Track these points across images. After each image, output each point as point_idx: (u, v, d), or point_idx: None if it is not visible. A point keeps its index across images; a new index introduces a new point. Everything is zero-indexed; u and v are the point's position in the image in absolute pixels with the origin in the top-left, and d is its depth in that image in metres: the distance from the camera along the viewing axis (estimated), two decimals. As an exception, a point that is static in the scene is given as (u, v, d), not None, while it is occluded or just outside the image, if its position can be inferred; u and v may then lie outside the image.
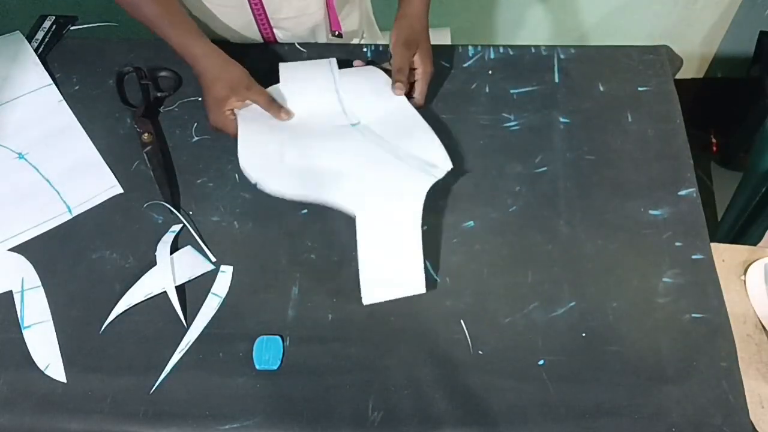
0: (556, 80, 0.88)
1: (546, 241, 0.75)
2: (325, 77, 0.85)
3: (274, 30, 0.92)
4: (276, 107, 0.81)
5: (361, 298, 0.70)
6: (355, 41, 1.04)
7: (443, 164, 0.77)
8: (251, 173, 0.77)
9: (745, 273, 0.84)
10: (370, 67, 0.88)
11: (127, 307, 0.71)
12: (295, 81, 0.85)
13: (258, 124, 0.80)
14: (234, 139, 0.79)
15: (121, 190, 0.80)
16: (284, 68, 0.86)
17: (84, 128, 0.85)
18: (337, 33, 0.95)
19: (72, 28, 0.96)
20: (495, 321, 0.70)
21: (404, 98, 0.83)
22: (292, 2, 0.88)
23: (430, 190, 0.74)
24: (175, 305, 0.71)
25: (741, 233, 1.37)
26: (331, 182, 0.76)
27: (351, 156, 0.78)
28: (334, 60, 0.87)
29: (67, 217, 0.78)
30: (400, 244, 0.72)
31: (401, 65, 0.81)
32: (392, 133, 0.81)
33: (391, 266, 0.71)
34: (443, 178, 0.77)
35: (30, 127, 0.86)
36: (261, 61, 0.91)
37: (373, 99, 0.84)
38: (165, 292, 0.72)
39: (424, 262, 0.73)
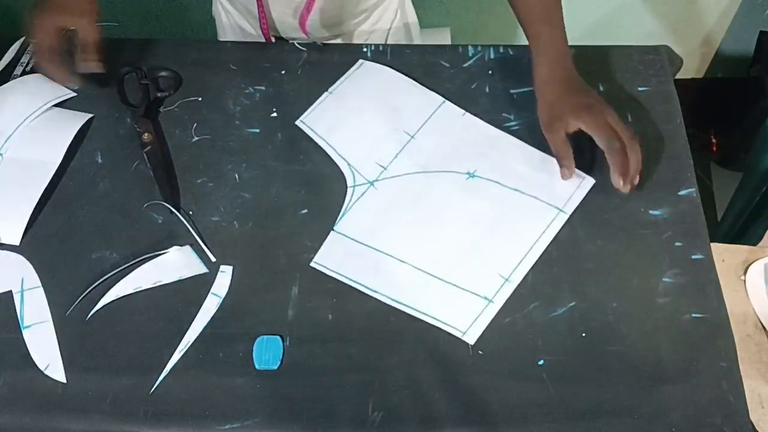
0: (556, 80, 0.88)
1: (546, 241, 0.75)
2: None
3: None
4: None
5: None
6: (364, 41, 1.03)
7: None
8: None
9: (745, 273, 0.84)
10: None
11: (116, 297, 0.71)
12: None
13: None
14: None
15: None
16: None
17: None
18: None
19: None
20: (495, 321, 0.70)
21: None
22: None
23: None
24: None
25: (741, 233, 1.37)
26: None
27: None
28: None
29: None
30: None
31: (558, 149, 0.76)
32: None
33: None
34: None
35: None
36: (261, 60, 0.91)
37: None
38: (160, 287, 0.72)
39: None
